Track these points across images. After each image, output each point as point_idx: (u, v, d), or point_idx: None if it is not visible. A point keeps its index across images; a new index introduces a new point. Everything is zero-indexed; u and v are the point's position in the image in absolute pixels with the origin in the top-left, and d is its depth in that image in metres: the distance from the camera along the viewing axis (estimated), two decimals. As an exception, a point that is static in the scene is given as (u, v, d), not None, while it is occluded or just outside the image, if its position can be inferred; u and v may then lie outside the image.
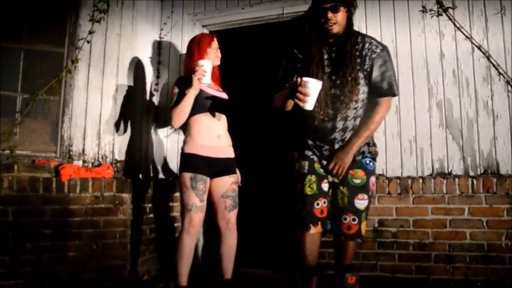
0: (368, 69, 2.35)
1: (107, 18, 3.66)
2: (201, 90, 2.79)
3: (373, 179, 2.48)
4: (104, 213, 3.32)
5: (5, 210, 3.07)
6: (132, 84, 3.70)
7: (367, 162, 2.46)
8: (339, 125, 2.40)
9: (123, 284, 3.18)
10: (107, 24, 3.67)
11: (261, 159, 5.04)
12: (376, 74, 2.36)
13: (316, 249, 2.46)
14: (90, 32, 3.57)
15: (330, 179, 2.48)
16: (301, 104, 2.14)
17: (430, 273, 3.12)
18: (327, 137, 2.44)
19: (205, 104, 2.81)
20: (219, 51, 3.01)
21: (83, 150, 3.48)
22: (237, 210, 2.91)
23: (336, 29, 2.32)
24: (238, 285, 2.91)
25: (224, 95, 2.98)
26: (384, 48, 2.40)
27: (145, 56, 3.86)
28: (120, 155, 3.56)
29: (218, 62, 3.01)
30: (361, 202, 2.41)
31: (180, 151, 2.90)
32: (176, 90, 2.85)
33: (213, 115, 2.85)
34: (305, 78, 2.11)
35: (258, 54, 5.44)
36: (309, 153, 2.50)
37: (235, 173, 2.94)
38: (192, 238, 2.75)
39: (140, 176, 3.68)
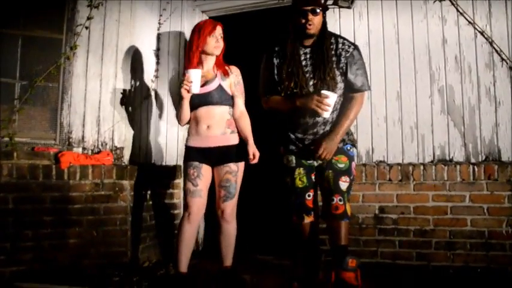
0: (343, 68, 2.57)
1: (105, 3, 3.62)
2: None
3: (353, 164, 2.64)
4: (104, 200, 3.33)
5: (5, 197, 3.06)
6: (131, 70, 3.67)
7: (348, 148, 2.64)
8: (320, 119, 2.57)
9: (124, 270, 3.19)
10: (105, 10, 3.63)
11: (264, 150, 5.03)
12: (350, 72, 2.57)
13: (313, 237, 2.70)
14: (89, 18, 3.53)
15: (315, 163, 2.66)
16: (320, 111, 2.44)
17: (431, 260, 3.13)
18: (309, 130, 2.61)
19: (194, 101, 2.83)
20: (221, 40, 2.89)
21: (83, 137, 3.47)
22: (235, 201, 2.84)
23: (313, 30, 2.54)
24: (238, 272, 2.91)
25: (213, 85, 2.83)
26: (356, 47, 2.62)
27: (145, 42, 3.83)
28: (119, 141, 3.55)
29: (217, 52, 2.90)
30: (344, 184, 2.56)
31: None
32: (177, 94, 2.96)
33: (202, 109, 2.85)
34: (326, 92, 2.41)
35: (257, 41, 5.39)
36: (293, 147, 2.68)
37: (231, 161, 2.83)
38: (191, 224, 2.76)
39: (140, 162, 3.67)
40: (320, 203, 2.72)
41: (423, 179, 3.20)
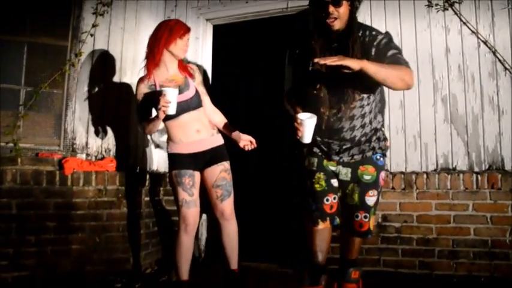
0: (376, 56, 2.19)
1: (110, 11, 3.66)
2: None
3: (383, 174, 2.45)
4: (107, 206, 3.33)
5: (8, 203, 3.07)
6: (135, 77, 3.68)
7: (378, 157, 2.41)
8: (346, 124, 2.34)
9: (126, 276, 3.19)
10: (110, 18, 3.66)
11: (264, 156, 5.04)
12: (385, 55, 2.19)
13: (326, 246, 2.44)
14: (94, 25, 3.57)
15: (340, 176, 2.44)
16: (297, 137, 2.22)
17: (434, 269, 3.11)
18: (335, 135, 2.38)
19: (170, 112, 2.61)
20: (188, 45, 2.82)
21: (86, 143, 3.48)
22: (232, 198, 2.81)
23: (338, 24, 2.20)
24: (244, 277, 2.88)
25: (190, 91, 2.76)
26: (387, 33, 2.34)
27: (149, 49, 3.85)
28: (123, 148, 3.56)
29: (182, 56, 2.81)
30: (371, 199, 2.38)
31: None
32: (139, 97, 2.75)
33: (183, 116, 2.73)
34: (301, 116, 2.19)
35: (262, 48, 5.42)
36: (317, 150, 2.45)
37: (224, 160, 2.82)
38: (188, 235, 2.71)
39: (143, 169, 3.68)
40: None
41: (426, 188, 3.19)
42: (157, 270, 3.48)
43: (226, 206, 2.78)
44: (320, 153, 2.45)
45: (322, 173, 2.42)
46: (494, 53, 3.19)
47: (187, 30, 2.79)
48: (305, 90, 2.39)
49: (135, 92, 2.80)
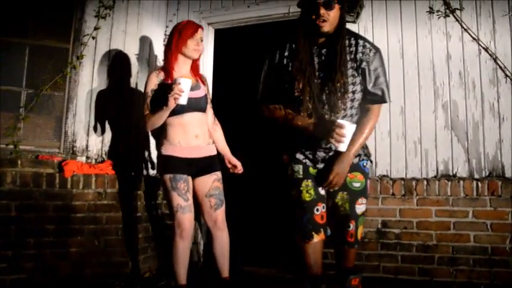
0: (362, 74, 2.24)
1: (112, 14, 3.66)
2: None
3: (369, 181, 2.43)
4: (106, 209, 3.32)
5: (8, 205, 3.06)
6: (136, 81, 3.69)
7: (364, 164, 2.38)
8: None
9: (125, 280, 3.18)
10: (112, 21, 3.67)
11: (262, 158, 5.03)
12: (369, 80, 2.25)
13: (320, 257, 2.37)
14: (96, 28, 3.57)
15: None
16: (335, 143, 2.12)
17: (433, 276, 3.11)
18: (321, 143, 2.31)
19: (181, 108, 2.62)
20: (201, 44, 2.80)
21: (87, 146, 3.48)
22: (224, 208, 2.80)
23: (327, 27, 2.17)
24: (238, 284, 2.88)
25: (201, 91, 2.78)
26: (377, 51, 2.28)
27: (151, 53, 3.85)
28: (122, 151, 3.55)
29: (196, 56, 2.80)
30: (360, 207, 2.33)
31: None
32: (149, 89, 2.73)
33: (188, 115, 2.72)
34: (342, 122, 2.09)
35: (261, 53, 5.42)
36: (300, 156, 2.36)
37: (217, 170, 2.81)
38: (184, 241, 2.68)
39: (142, 173, 3.67)
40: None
41: (426, 194, 3.19)
42: (156, 275, 3.47)
43: (219, 215, 2.77)
44: (305, 160, 2.35)
45: (309, 181, 2.32)
46: (495, 59, 3.20)
47: (196, 29, 2.77)
48: (288, 96, 2.30)
49: (145, 84, 2.77)
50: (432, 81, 3.33)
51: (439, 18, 3.34)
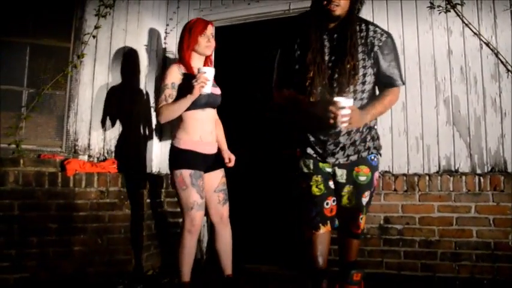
0: (375, 58, 2.25)
1: (112, 13, 3.66)
2: None
3: (376, 174, 2.42)
4: (109, 208, 3.33)
5: (10, 204, 3.07)
6: (137, 79, 3.69)
7: (372, 158, 2.39)
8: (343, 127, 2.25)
9: (128, 278, 3.18)
10: (112, 19, 3.67)
11: (262, 156, 5.03)
12: (384, 63, 2.26)
13: (326, 250, 2.38)
14: (96, 27, 3.57)
15: (336, 178, 2.38)
16: (335, 123, 2.07)
17: (436, 271, 3.11)
18: (331, 134, 2.29)
19: (201, 101, 2.65)
20: (212, 40, 2.81)
21: (89, 145, 3.49)
22: (228, 204, 2.86)
23: (339, 11, 2.17)
24: (240, 282, 2.89)
25: (218, 89, 2.85)
26: (389, 35, 2.29)
27: (151, 51, 3.85)
28: (125, 149, 3.56)
29: (209, 52, 2.83)
30: (365, 200, 2.37)
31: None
32: (168, 81, 2.67)
33: (208, 111, 2.77)
34: (339, 99, 2.04)
35: (261, 50, 5.42)
36: (311, 151, 2.38)
37: (223, 166, 2.87)
38: (193, 237, 2.69)
39: (145, 171, 3.68)
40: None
41: (428, 190, 3.18)
42: (159, 272, 3.48)
43: (226, 210, 2.83)
44: (315, 155, 2.37)
45: (319, 176, 2.35)
46: (496, 54, 3.19)
47: (205, 25, 2.78)
48: (300, 85, 2.29)
49: (165, 75, 2.71)
50: (433, 77, 3.32)
51: (439, 13, 3.33)
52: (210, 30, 2.81)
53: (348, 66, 2.19)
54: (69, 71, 3.50)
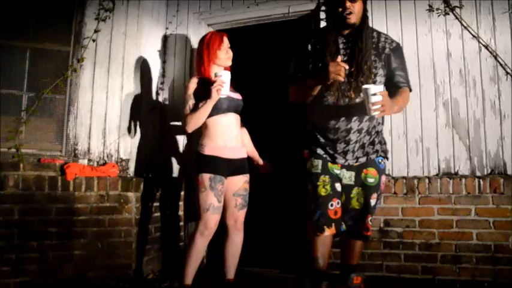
0: (385, 60, 2.40)
1: (112, 17, 3.66)
2: None
3: (383, 178, 2.47)
4: (109, 211, 3.33)
5: (10, 208, 3.07)
6: (137, 82, 3.70)
7: (380, 161, 2.47)
8: (354, 125, 2.38)
9: (128, 282, 3.18)
10: (112, 23, 3.67)
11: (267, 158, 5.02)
12: (395, 65, 2.40)
13: (328, 252, 2.42)
14: (96, 31, 3.58)
15: (343, 181, 2.44)
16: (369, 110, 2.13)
17: (436, 274, 3.10)
18: (341, 137, 2.39)
19: (222, 106, 2.76)
20: (230, 51, 2.94)
21: (88, 149, 3.49)
22: (245, 211, 2.89)
23: (353, 19, 2.33)
24: (241, 285, 2.89)
25: (238, 95, 2.93)
26: (398, 44, 2.48)
27: (151, 54, 3.86)
28: (125, 153, 3.56)
29: (229, 63, 2.95)
30: (373, 201, 2.42)
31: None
32: (190, 91, 2.79)
33: (230, 115, 2.83)
34: (366, 86, 2.15)
35: (263, 53, 5.42)
36: (321, 152, 2.44)
37: (248, 172, 2.91)
38: (205, 240, 2.71)
39: (145, 174, 3.68)
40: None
41: (428, 192, 3.18)
42: (159, 276, 3.47)
43: (241, 215, 2.87)
44: (325, 155, 2.43)
45: (327, 176, 2.40)
46: (495, 57, 3.20)
47: (222, 39, 2.90)
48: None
49: (187, 87, 2.82)
50: (433, 80, 3.32)
51: (438, 16, 3.34)
52: (227, 42, 2.93)
53: (365, 66, 2.31)
54: (69, 75, 3.50)
